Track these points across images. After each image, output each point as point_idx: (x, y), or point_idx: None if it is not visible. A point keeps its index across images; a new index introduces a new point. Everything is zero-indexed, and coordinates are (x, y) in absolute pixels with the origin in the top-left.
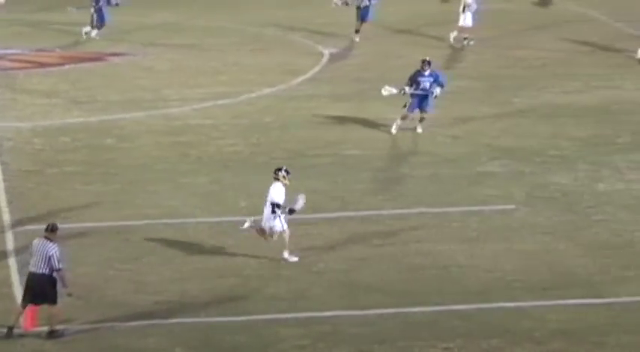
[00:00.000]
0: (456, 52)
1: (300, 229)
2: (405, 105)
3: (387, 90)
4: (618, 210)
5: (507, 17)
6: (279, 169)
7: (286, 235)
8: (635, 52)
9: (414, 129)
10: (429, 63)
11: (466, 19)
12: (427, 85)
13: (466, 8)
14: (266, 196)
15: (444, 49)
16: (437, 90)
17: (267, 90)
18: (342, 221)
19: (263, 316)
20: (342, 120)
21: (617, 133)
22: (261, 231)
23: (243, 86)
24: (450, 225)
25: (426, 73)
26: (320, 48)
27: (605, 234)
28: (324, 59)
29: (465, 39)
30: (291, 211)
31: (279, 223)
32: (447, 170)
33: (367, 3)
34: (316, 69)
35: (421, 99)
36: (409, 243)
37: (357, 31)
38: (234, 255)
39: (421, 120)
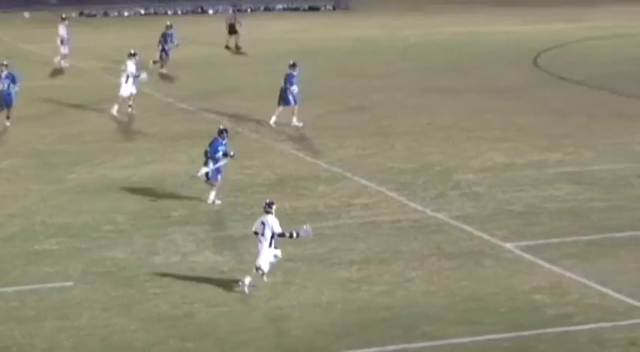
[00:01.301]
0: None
1: None
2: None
3: (203, 170)
4: (175, 282)
5: (62, 93)
6: (271, 203)
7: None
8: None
9: None
10: (226, 131)
11: (132, 89)
12: (221, 153)
13: (129, 78)
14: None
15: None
16: (232, 153)
17: None
18: None
19: None
20: None
21: (172, 206)
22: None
23: None
24: (7, 305)
25: (224, 141)
26: None
27: (163, 306)
28: None
29: (132, 106)
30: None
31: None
32: (2, 249)
33: (9, 90)
34: None
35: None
36: None
37: (7, 118)
38: None
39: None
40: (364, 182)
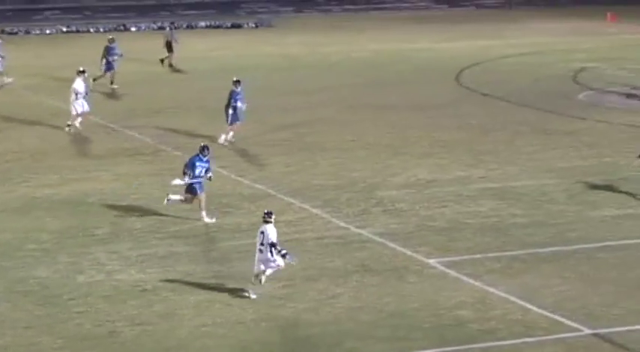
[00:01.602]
0: None
1: None
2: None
3: (176, 181)
4: (99, 301)
5: None
6: (270, 213)
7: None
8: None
9: None
10: (208, 148)
11: (84, 106)
12: (202, 170)
13: (78, 95)
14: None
15: None
16: (210, 174)
17: None
18: None
19: None
20: None
21: (96, 225)
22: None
23: None
24: None
25: (205, 158)
26: None
27: (87, 325)
28: None
29: (72, 125)
30: (284, 255)
31: (280, 260)
32: None
33: None
34: None
35: (193, 184)
36: None
37: None
38: None
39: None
40: (288, 199)
